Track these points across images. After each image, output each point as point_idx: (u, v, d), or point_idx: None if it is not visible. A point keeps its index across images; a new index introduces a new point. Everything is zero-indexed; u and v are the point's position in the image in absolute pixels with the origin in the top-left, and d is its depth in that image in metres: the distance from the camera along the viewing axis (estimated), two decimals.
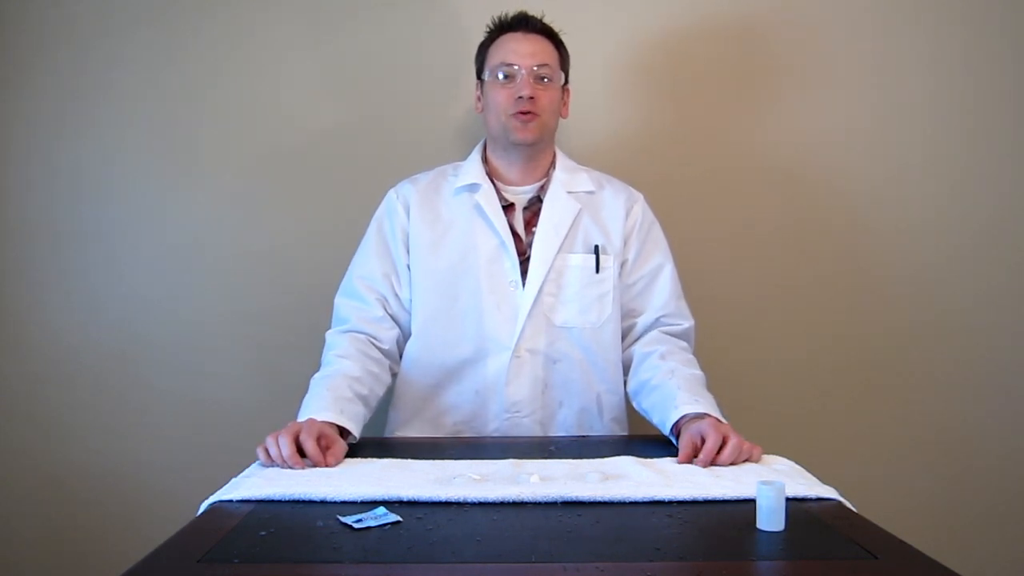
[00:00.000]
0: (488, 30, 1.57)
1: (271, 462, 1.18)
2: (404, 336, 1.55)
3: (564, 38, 1.57)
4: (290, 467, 1.16)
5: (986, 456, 1.89)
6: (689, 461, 1.19)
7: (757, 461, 1.19)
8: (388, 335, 1.52)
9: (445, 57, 1.83)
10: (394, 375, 1.54)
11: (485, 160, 1.58)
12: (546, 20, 1.55)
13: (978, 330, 1.88)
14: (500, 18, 1.55)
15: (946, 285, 1.88)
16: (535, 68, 1.49)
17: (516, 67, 1.49)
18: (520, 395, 1.49)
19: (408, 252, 1.54)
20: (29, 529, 1.86)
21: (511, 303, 1.49)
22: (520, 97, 1.47)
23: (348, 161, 1.84)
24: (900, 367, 1.88)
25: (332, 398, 1.32)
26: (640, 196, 1.61)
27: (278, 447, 1.17)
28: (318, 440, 1.20)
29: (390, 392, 1.56)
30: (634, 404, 1.49)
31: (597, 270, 1.52)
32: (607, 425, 1.53)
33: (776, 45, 1.85)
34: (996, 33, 1.86)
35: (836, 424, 1.88)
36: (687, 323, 1.56)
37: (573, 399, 1.51)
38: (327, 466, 1.18)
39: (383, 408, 1.58)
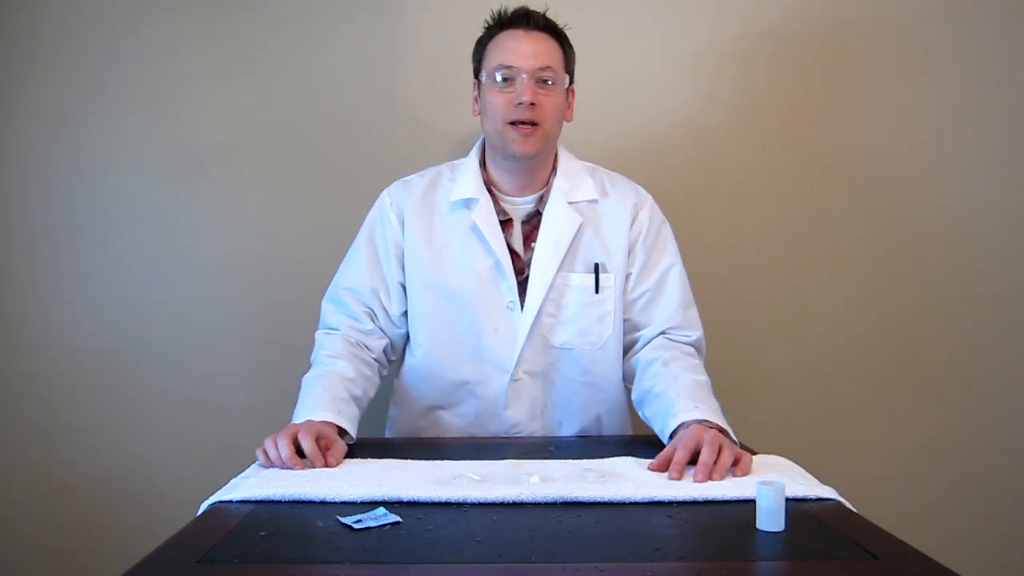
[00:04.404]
0: (487, 25, 1.48)
1: (270, 464, 1.17)
2: (392, 347, 1.52)
3: (574, 34, 1.49)
4: (289, 468, 1.15)
5: (986, 456, 1.89)
6: (661, 469, 1.12)
7: (744, 472, 1.12)
8: (377, 344, 1.49)
9: (442, 56, 1.82)
10: (383, 379, 1.52)
11: (483, 165, 1.51)
12: (550, 15, 1.47)
13: (979, 333, 1.88)
14: (499, 13, 1.46)
15: (950, 289, 1.88)
16: (536, 70, 1.40)
17: (516, 69, 1.40)
18: (519, 417, 1.47)
19: (403, 269, 1.50)
20: (29, 529, 1.86)
21: (509, 325, 1.45)
22: (520, 103, 1.39)
23: (348, 161, 1.83)
24: (900, 368, 1.88)
25: (329, 398, 1.31)
26: (648, 198, 1.53)
27: (277, 450, 1.17)
28: (317, 440, 1.19)
29: (386, 405, 1.55)
30: (639, 413, 1.44)
31: (597, 290, 1.46)
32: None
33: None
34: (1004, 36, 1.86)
35: (836, 424, 1.88)
36: (695, 334, 1.48)
37: (573, 420, 1.49)
38: (327, 466, 1.17)
39: (382, 409, 1.58)
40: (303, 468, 1.16)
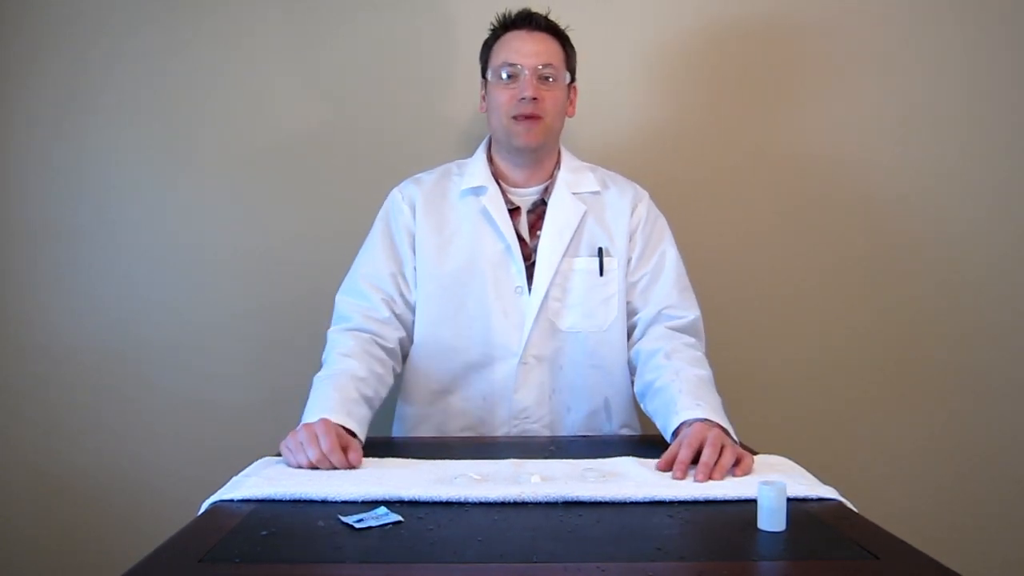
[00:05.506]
0: (492, 28, 1.55)
1: (304, 466, 1.15)
2: (408, 337, 1.53)
3: (573, 35, 1.55)
4: (330, 463, 1.14)
5: (987, 456, 1.89)
6: (667, 468, 1.13)
7: (745, 473, 1.13)
8: (393, 335, 1.49)
9: (444, 56, 1.83)
10: (396, 376, 1.52)
11: (490, 160, 1.57)
12: (552, 17, 1.53)
13: (979, 332, 1.88)
14: (504, 15, 1.53)
15: (949, 288, 1.88)
16: (539, 68, 1.46)
17: (519, 67, 1.47)
18: (527, 401, 1.49)
19: (414, 254, 1.52)
20: (29, 529, 1.86)
21: (518, 309, 1.48)
22: (523, 98, 1.45)
23: (348, 160, 1.84)
24: (901, 367, 1.88)
25: (339, 399, 1.30)
26: (645, 194, 1.59)
27: (316, 447, 1.15)
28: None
29: (395, 394, 1.55)
30: (641, 406, 1.46)
31: (601, 273, 1.51)
32: (617, 431, 1.52)
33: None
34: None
35: (836, 424, 1.88)
36: (692, 314, 1.51)
37: (581, 404, 1.50)
38: (350, 466, 1.16)
39: (387, 408, 1.58)
40: (330, 468, 1.15)
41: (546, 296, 1.48)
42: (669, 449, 1.17)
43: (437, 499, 1.01)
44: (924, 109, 1.86)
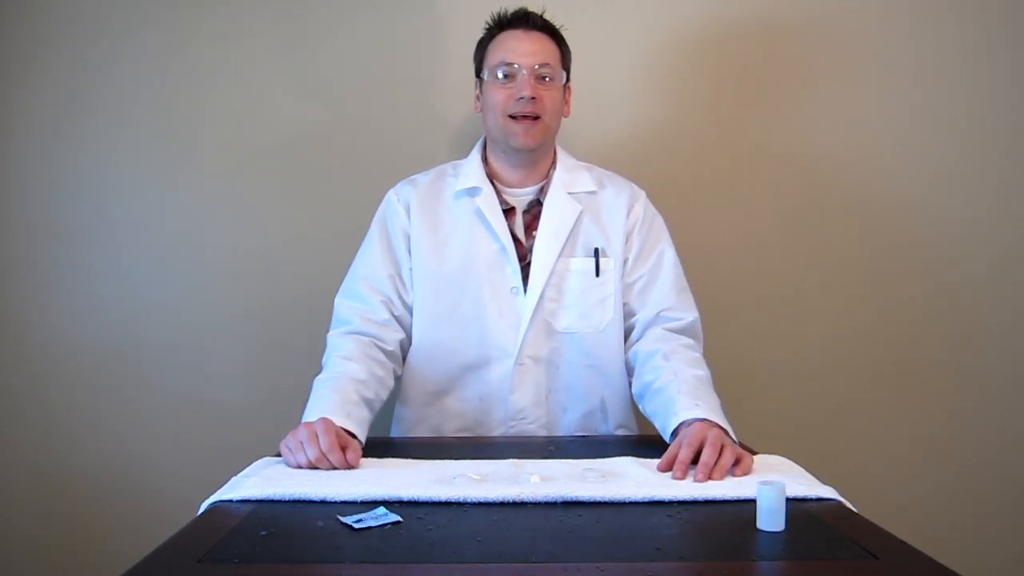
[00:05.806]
0: (487, 27, 1.54)
1: (303, 465, 1.15)
2: (408, 339, 1.53)
3: (569, 35, 1.55)
4: (329, 463, 1.14)
5: (987, 456, 1.89)
6: (668, 469, 1.13)
7: (745, 473, 1.13)
8: (393, 337, 1.49)
9: (443, 56, 1.83)
10: (397, 378, 1.52)
11: (485, 160, 1.56)
12: (549, 16, 1.52)
13: (979, 331, 1.88)
14: (500, 15, 1.53)
15: (949, 288, 1.88)
16: (536, 67, 1.47)
17: (516, 66, 1.46)
18: (524, 402, 1.48)
19: (410, 256, 1.52)
20: (29, 529, 1.86)
21: (513, 310, 1.48)
22: (521, 98, 1.45)
23: (348, 160, 1.84)
24: (901, 367, 1.88)
25: (339, 401, 1.29)
26: (642, 193, 1.58)
27: (304, 453, 1.15)
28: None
29: (394, 396, 1.55)
30: (639, 407, 1.46)
31: (597, 273, 1.50)
32: (613, 432, 1.52)
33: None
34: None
35: (836, 424, 1.88)
36: (690, 316, 1.50)
37: (577, 404, 1.50)
38: (349, 466, 1.16)
39: (386, 410, 1.58)
40: (330, 468, 1.15)
41: (542, 297, 1.48)
42: (669, 449, 1.17)
43: (436, 499, 1.01)
44: (924, 109, 1.86)
